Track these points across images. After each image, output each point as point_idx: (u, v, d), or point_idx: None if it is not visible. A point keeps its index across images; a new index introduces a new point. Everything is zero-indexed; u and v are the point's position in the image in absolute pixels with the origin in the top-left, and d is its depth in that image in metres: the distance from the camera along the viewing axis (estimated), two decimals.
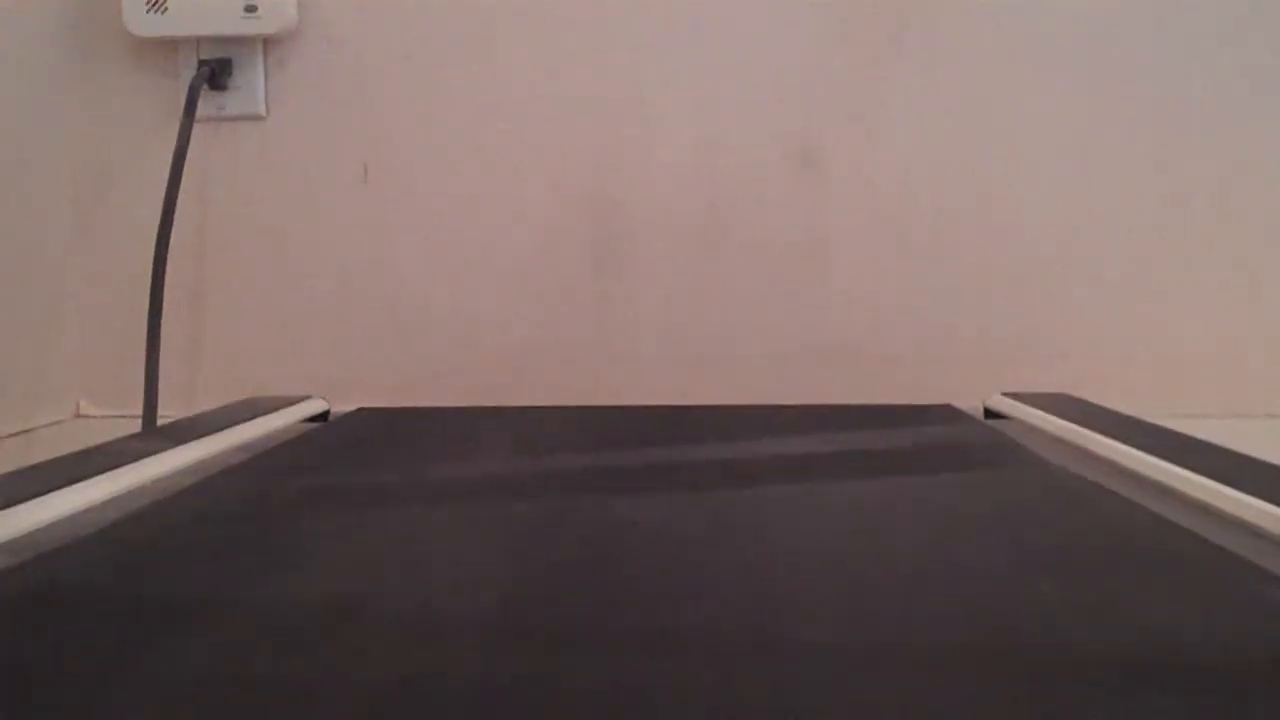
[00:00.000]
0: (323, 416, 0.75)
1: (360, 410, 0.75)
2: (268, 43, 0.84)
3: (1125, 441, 0.55)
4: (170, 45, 0.84)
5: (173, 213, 0.81)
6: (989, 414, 0.73)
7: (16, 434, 0.80)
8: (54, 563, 0.38)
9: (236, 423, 0.63)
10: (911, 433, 0.63)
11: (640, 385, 0.85)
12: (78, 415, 0.88)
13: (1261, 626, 0.31)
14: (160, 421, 0.80)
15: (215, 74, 0.83)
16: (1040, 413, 0.66)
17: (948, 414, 0.71)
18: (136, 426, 0.80)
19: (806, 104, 0.83)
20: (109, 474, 0.48)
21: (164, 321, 0.82)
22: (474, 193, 0.85)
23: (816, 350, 0.85)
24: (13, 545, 0.40)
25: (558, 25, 0.84)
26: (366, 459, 0.58)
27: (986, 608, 0.32)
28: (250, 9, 0.81)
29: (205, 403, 0.84)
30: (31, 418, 0.82)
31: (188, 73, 0.83)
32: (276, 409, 0.70)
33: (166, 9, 0.81)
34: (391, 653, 0.29)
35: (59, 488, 0.45)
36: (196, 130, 0.83)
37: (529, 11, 0.84)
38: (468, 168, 0.85)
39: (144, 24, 0.81)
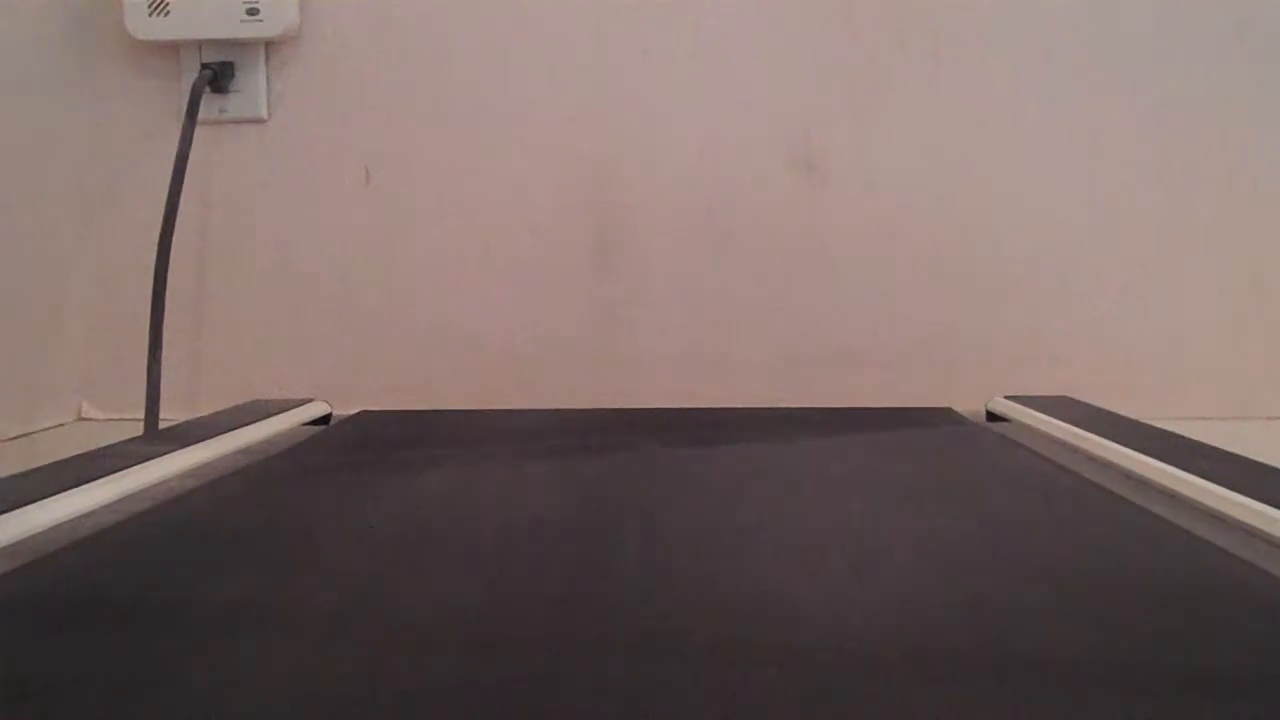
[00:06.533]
0: (325, 419, 0.75)
1: (362, 413, 0.75)
2: (270, 46, 0.84)
3: (1126, 444, 0.55)
4: (172, 48, 0.84)
5: (174, 216, 0.82)
6: (991, 417, 0.73)
7: (18, 437, 0.80)
8: (56, 566, 0.38)
9: (239, 426, 0.63)
10: (913, 435, 0.63)
11: (642, 388, 0.85)
12: (80, 418, 0.88)
13: (1261, 629, 0.31)
14: (162, 425, 0.80)
15: (217, 77, 0.83)
16: (1042, 415, 0.66)
17: (949, 417, 0.71)
18: (138, 429, 0.80)
19: (808, 107, 0.83)
20: (111, 477, 0.48)
21: (166, 324, 0.82)
22: (476, 195, 0.85)
23: (819, 353, 0.85)
24: (15, 548, 0.40)
25: (559, 27, 0.84)
26: (369, 462, 0.58)
27: (986, 609, 0.32)
28: (252, 12, 0.81)
29: (207, 406, 0.84)
30: (33, 420, 0.82)
31: (189, 76, 0.83)
32: (279, 412, 0.70)
33: (168, 12, 0.81)
34: (394, 655, 0.29)
35: (61, 491, 0.45)
36: (198, 133, 0.83)
37: (531, 14, 0.84)
38: (469, 170, 0.85)
39: (145, 27, 0.82)
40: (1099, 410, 0.68)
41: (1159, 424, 0.61)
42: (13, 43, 0.81)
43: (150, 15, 0.81)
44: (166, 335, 0.82)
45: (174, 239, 0.82)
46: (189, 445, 0.57)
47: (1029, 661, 0.28)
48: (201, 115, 0.83)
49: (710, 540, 0.41)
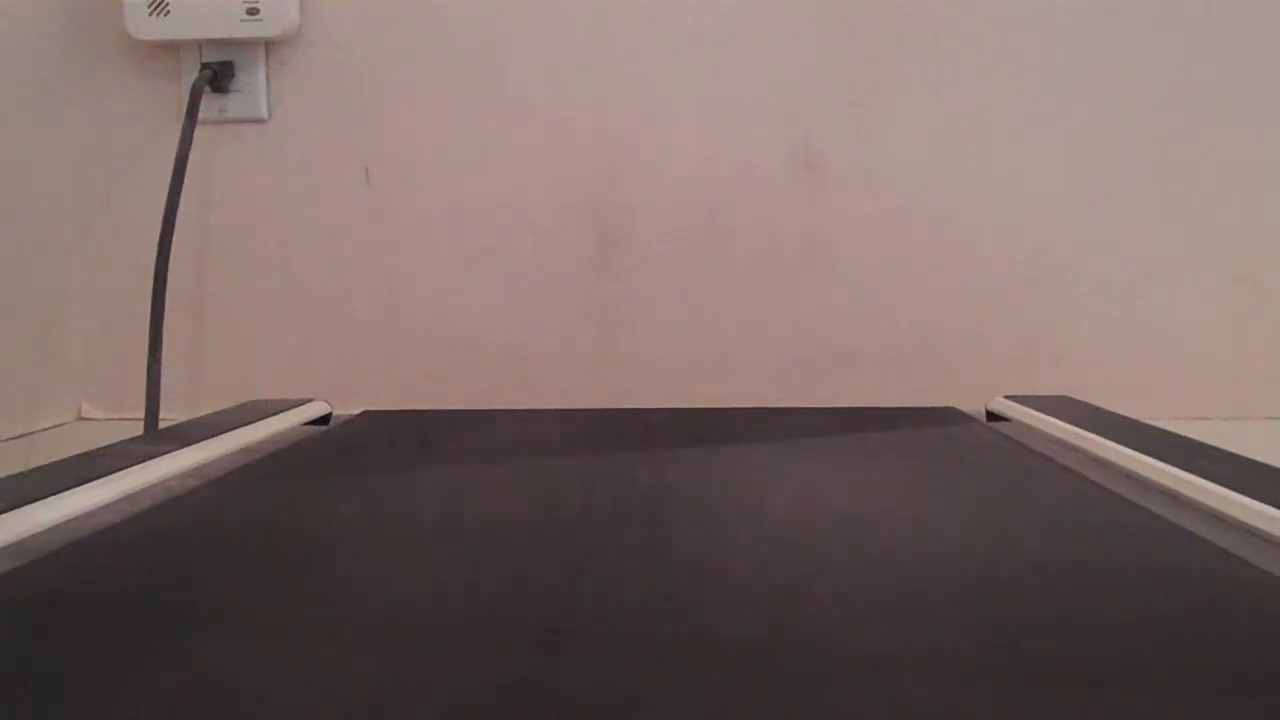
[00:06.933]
0: (325, 419, 0.75)
1: (363, 413, 0.75)
2: (270, 45, 0.84)
3: (1126, 444, 0.55)
4: (172, 48, 0.84)
5: (174, 216, 0.82)
6: (991, 416, 0.73)
7: (18, 436, 0.80)
8: (56, 566, 0.38)
9: (239, 425, 0.63)
10: (913, 435, 0.63)
11: (642, 388, 0.85)
12: (79, 418, 0.88)
13: (1261, 629, 0.31)
14: (162, 424, 0.80)
15: (217, 77, 0.83)
16: (1042, 415, 0.66)
17: (949, 416, 0.71)
18: (138, 429, 0.80)
19: (808, 107, 0.83)
20: (111, 477, 0.48)
21: (166, 324, 0.82)
22: (476, 195, 0.85)
23: (818, 353, 0.85)
24: (15, 548, 0.40)
25: (560, 27, 0.84)
26: (369, 462, 0.58)
27: (986, 610, 0.32)
28: (252, 12, 0.81)
29: (207, 405, 0.84)
30: (33, 420, 0.82)
31: (189, 76, 0.83)
32: (279, 412, 0.70)
33: (168, 12, 0.81)
34: (394, 655, 0.29)
35: (61, 490, 0.45)
36: (198, 133, 0.83)
37: (531, 14, 0.84)
38: (470, 170, 0.85)
39: (146, 27, 0.82)
40: (1099, 410, 0.68)
41: (1159, 424, 0.61)
42: (13, 43, 0.81)
43: (150, 15, 0.81)
44: (166, 335, 0.82)
45: (174, 239, 0.82)
46: (189, 445, 0.57)
47: (1030, 659, 0.28)
48: (201, 115, 0.83)
49: (712, 540, 0.41)
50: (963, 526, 0.42)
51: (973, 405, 0.75)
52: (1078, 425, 0.61)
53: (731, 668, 0.28)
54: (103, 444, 0.57)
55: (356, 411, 0.77)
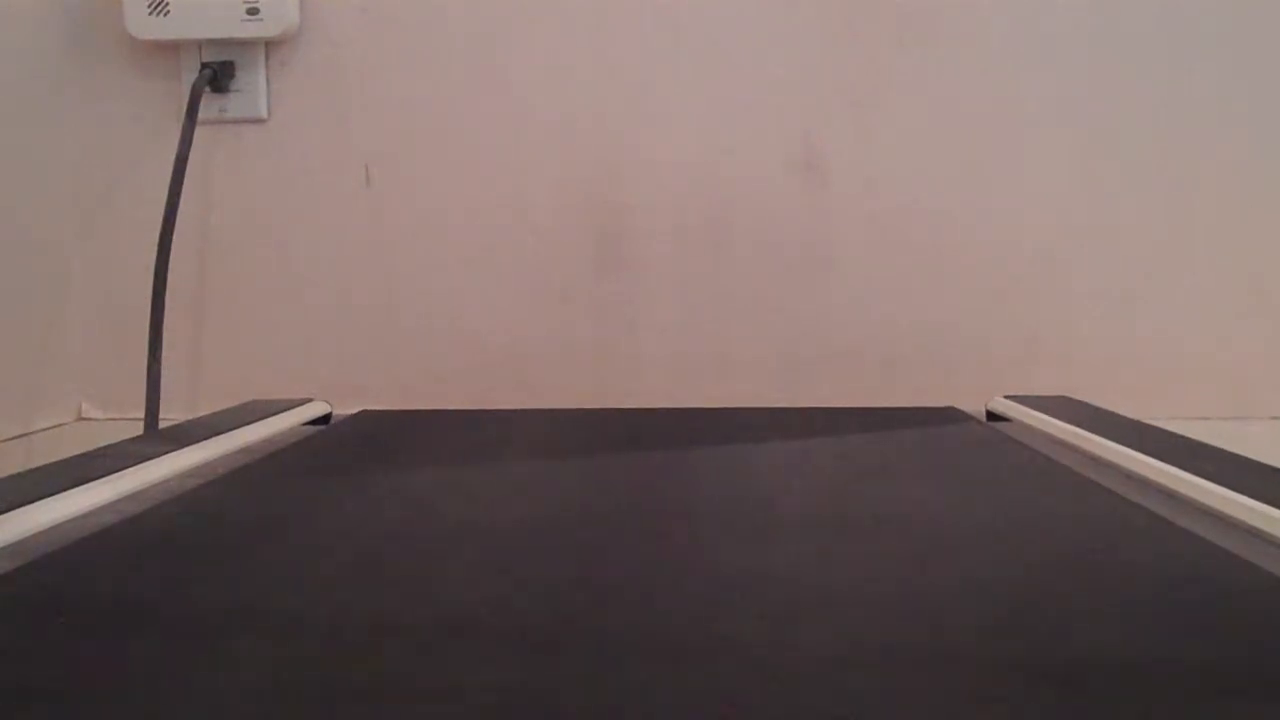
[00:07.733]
0: (325, 419, 0.75)
1: (362, 413, 0.75)
2: (270, 45, 0.84)
3: (1126, 444, 0.55)
4: (172, 48, 0.84)
5: (174, 216, 0.82)
6: (991, 416, 0.73)
7: (18, 437, 0.80)
8: (56, 566, 0.38)
9: (238, 425, 0.63)
10: (914, 435, 0.63)
11: (642, 388, 0.85)
12: (79, 418, 0.88)
13: (1261, 629, 0.31)
14: (162, 425, 0.80)
15: (217, 77, 0.83)
16: (1042, 415, 0.66)
17: (950, 416, 0.71)
18: (138, 429, 0.80)
19: (808, 107, 0.83)
20: (111, 477, 0.48)
21: (166, 324, 0.82)
22: (476, 195, 0.85)
23: (819, 353, 0.85)
24: (15, 548, 0.40)
25: (560, 26, 0.84)
26: (368, 462, 0.58)
27: (986, 609, 0.32)
28: (252, 11, 0.81)
29: (207, 406, 0.84)
30: (33, 420, 0.82)
31: (189, 75, 0.83)
32: (278, 412, 0.70)
33: (168, 12, 0.81)
34: (394, 655, 0.29)
35: (61, 491, 0.45)
36: (198, 133, 0.83)
37: (532, 13, 0.84)
38: (470, 170, 0.85)
39: (146, 27, 0.82)
40: (1099, 410, 0.68)
41: (1159, 424, 0.61)
42: (13, 43, 0.81)
43: (150, 15, 0.81)
44: (166, 335, 0.82)
45: (174, 239, 0.82)
46: (189, 445, 0.57)
47: (1030, 659, 0.28)
48: (201, 115, 0.83)
49: (712, 540, 0.41)
50: (962, 526, 0.42)
51: (973, 405, 0.75)
52: (1078, 425, 0.61)
53: (733, 667, 0.28)
54: (103, 444, 0.57)
55: (356, 411, 0.77)
